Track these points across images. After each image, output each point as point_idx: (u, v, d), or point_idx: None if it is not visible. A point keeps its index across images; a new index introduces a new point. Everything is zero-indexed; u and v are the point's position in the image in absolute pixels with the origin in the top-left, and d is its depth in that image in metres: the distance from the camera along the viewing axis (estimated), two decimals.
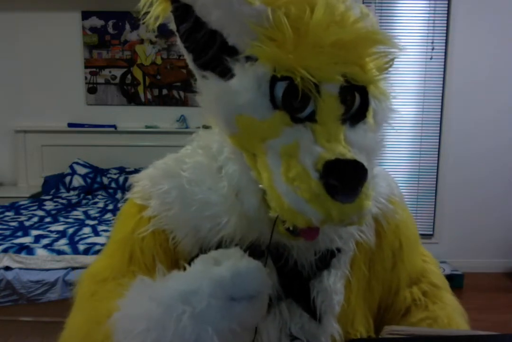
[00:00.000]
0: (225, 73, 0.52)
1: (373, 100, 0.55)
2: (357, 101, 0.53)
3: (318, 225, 0.48)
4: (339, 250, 0.65)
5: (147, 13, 0.57)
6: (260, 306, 0.50)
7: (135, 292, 0.51)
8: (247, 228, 0.58)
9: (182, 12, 0.54)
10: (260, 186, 0.53)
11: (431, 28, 3.01)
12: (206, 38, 0.52)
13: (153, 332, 0.46)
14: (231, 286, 0.47)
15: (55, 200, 2.85)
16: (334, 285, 0.63)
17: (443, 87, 3.07)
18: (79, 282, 0.66)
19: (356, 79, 0.52)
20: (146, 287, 0.50)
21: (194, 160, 0.64)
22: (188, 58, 0.56)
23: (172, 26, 0.56)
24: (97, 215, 2.51)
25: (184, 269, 0.51)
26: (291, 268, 0.62)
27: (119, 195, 3.00)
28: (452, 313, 0.71)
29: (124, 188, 3.03)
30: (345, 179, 0.46)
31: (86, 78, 3.34)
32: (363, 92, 0.54)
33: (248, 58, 0.50)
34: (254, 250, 0.60)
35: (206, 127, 0.66)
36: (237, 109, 0.50)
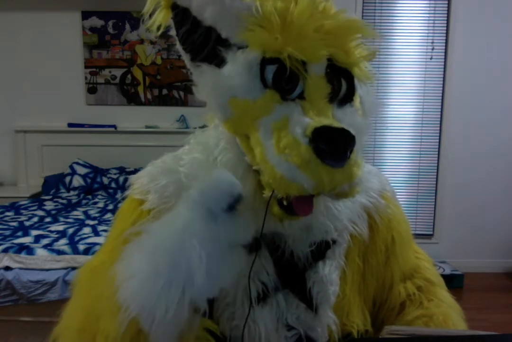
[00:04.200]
0: (220, 64, 0.55)
1: (359, 88, 0.59)
2: (344, 86, 0.57)
3: (310, 191, 0.49)
4: (334, 241, 0.67)
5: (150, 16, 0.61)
6: (241, 218, 0.52)
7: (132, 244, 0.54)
8: None
9: (181, 16, 0.58)
10: (254, 167, 0.55)
11: (431, 28, 3.01)
12: (203, 36, 0.57)
13: (148, 263, 0.49)
14: (200, 196, 0.50)
15: (55, 200, 2.85)
16: (329, 276, 0.65)
17: (443, 87, 3.07)
18: (78, 273, 0.68)
19: (339, 61, 0.55)
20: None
21: (191, 156, 0.66)
22: (185, 58, 0.60)
23: (172, 32, 0.61)
24: (97, 215, 2.51)
25: None
26: (287, 259, 0.64)
27: (119, 195, 3.00)
28: (447, 310, 0.72)
29: (124, 188, 3.02)
30: (334, 143, 0.48)
31: (86, 78, 3.34)
32: (349, 77, 0.57)
33: (240, 48, 0.54)
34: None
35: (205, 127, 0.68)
36: (231, 92, 0.53)
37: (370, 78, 0.60)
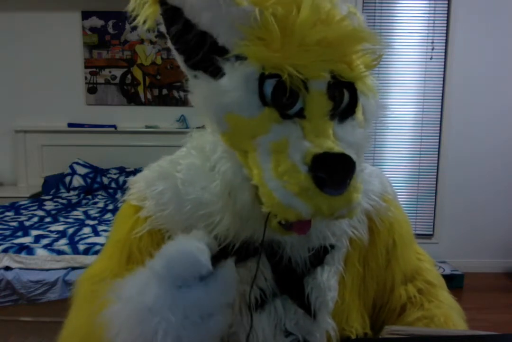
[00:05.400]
0: (216, 73, 0.53)
1: (362, 97, 0.56)
2: (346, 98, 0.54)
3: (308, 218, 0.49)
4: (332, 246, 0.66)
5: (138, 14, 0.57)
6: (215, 286, 0.51)
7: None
8: (241, 226, 0.59)
9: (172, 14, 0.54)
10: (252, 182, 0.53)
11: (431, 28, 3.01)
12: (196, 39, 0.53)
13: (122, 335, 0.49)
14: (165, 274, 0.50)
15: (55, 200, 2.85)
16: (327, 281, 0.64)
17: (443, 87, 3.07)
18: (78, 282, 0.67)
19: (343, 76, 0.53)
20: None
21: (188, 161, 0.65)
22: (179, 59, 0.57)
23: (163, 28, 0.57)
24: (97, 215, 2.51)
25: None
26: (285, 265, 0.63)
27: (119, 195, 3.00)
28: (448, 311, 0.71)
29: (124, 188, 3.02)
30: (334, 171, 0.47)
31: (86, 78, 3.34)
32: (352, 88, 0.55)
33: (238, 58, 0.51)
34: (248, 247, 0.61)
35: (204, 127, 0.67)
36: (226, 107, 0.51)
37: (373, 91, 0.58)
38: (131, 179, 0.70)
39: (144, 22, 0.57)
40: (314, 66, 0.50)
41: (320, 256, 0.65)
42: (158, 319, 0.48)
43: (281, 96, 0.51)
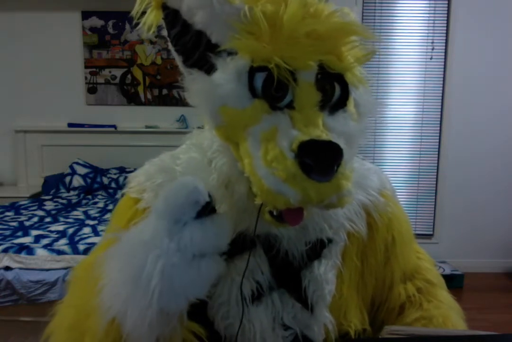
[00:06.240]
0: (210, 70, 0.55)
1: (354, 91, 0.57)
2: (337, 91, 0.55)
3: (296, 204, 0.49)
4: (330, 240, 0.66)
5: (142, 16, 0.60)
6: (215, 225, 0.52)
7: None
8: (237, 218, 0.60)
9: (172, 17, 0.57)
10: (245, 174, 0.54)
11: (431, 28, 3.01)
12: (193, 40, 0.56)
13: (119, 273, 0.51)
14: (164, 206, 0.51)
15: (55, 200, 2.85)
16: (325, 275, 0.65)
17: (443, 87, 3.07)
18: (75, 271, 0.69)
19: (332, 67, 0.54)
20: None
21: (188, 156, 0.67)
22: (178, 60, 0.59)
23: (164, 32, 0.60)
24: (97, 215, 2.51)
25: None
26: (282, 258, 0.63)
27: (119, 195, 3.00)
28: (447, 311, 0.71)
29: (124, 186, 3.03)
30: (319, 157, 0.47)
31: (86, 78, 3.34)
32: (342, 81, 0.55)
33: (230, 53, 0.53)
34: (244, 240, 0.62)
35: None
36: (220, 100, 0.53)
37: (363, 82, 0.58)
38: (132, 173, 0.71)
39: (149, 27, 0.59)
40: (302, 57, 0.51)
41: (317, 249, 0.65)
42: (151, 250, 0.49)
43: (271, 89, 0.52)
